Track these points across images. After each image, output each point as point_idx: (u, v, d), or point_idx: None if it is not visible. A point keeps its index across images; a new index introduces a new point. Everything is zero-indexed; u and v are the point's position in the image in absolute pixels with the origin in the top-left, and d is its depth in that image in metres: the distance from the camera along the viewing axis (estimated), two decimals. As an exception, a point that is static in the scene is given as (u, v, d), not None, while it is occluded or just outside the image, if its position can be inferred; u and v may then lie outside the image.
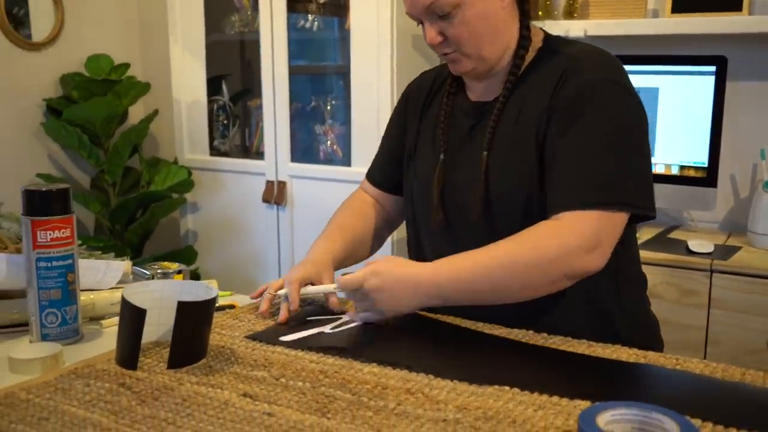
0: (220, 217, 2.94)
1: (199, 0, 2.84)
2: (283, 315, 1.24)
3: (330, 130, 2.80)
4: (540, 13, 2.37)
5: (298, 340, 1.19)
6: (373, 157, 2.53)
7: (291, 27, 2.68)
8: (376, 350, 1.13)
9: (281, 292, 1.27)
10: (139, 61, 3.15)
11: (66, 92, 2.84)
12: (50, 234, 1.16)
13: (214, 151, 2.97)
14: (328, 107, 2.84)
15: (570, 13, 2.36)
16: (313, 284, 1.28)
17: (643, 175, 1.17)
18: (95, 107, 2.65)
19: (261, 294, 1.33)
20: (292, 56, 2.70)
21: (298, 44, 2.79)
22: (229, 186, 2.90)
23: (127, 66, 2.89)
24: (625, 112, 1.18)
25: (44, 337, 1.18)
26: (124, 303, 1.05)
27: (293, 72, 2.72)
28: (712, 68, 2.13)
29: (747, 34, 2.13)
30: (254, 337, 1.19)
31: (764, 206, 2.07)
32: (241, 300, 1.44)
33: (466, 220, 1.28)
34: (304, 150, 2.82)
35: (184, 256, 2.88)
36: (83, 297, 1.27)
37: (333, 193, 2.65)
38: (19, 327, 1.26)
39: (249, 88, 3.10)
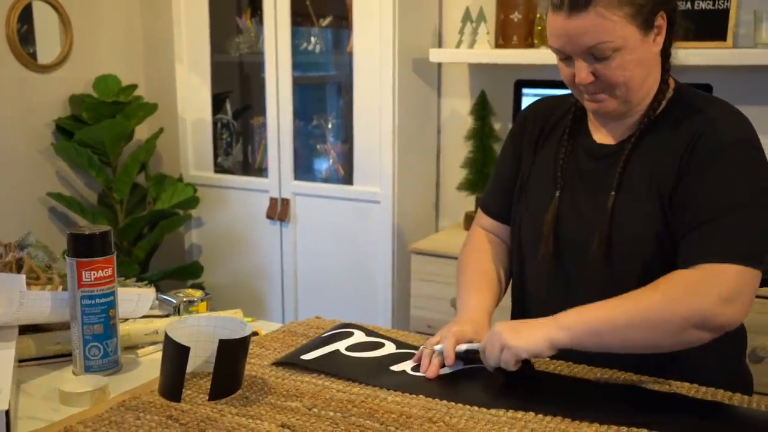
0: (225, 232, 3.04)
1: (204, 21, 2.93)
2: (433, 370, 1.24)
3: (332, 149, 2.90)
4: (536, 41, 2.48)
5: (319, 358, 1.31)
6: (374, 176, 2.64)
7: (294, 47, 2.78)
8: (394, 381, 1.23)
9: (437, 347, 1.26)
10: (144, 81, 3.23)
11: (75, 112, 2.92)
12: (94, 273, 1.26)
13: (218, 168, 3.06)
14: (330, 126, 2.94)
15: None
16: (471, 341, 1.28)
17: None
18: (106, 129, 2.74)
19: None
20: (294, 75, 2.79)
21: (301, 64, 2.88)
22: (233, 202, 3.00)
23: (134, 87, 2.98)
24: (759, 172, 1.23)
25: (87, 369, 1.28)
26: (168, 340, 1.15)
27: (295, 90, 2.82)
28: (699, 95, 2.25)
29: (730, 66, 2.26)
30: (280, 362, 1.30)
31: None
32: (264, 326, 1.54)
33: (580, 256, 1.31)
34: (306, 168, 2.92)
35: (191, 271, 2.97)
36: (120, 328, 1.37)
37: (336, 211, 2.76)
38: (60, 358, 1.35)
39: (249, 105, 3.19)
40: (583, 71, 1.23)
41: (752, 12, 2.24)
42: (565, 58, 1.26)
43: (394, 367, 1.29)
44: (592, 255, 1.28)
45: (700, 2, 2.31)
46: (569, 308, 1.25)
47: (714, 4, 2.30)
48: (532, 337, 1.17)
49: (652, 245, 1.26)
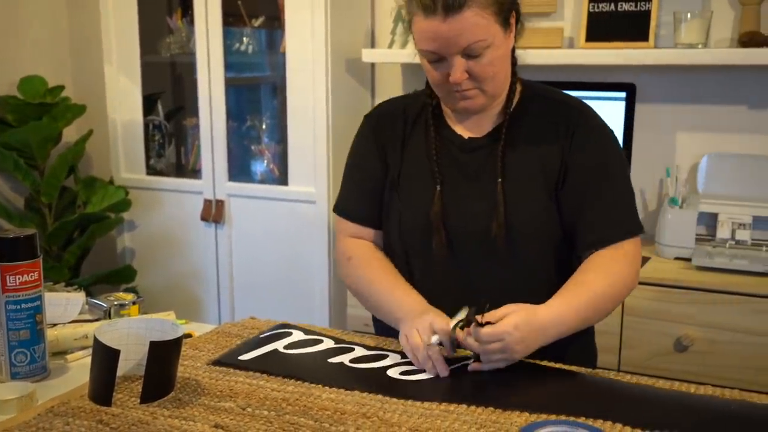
0: (158, 235, 2.99)
1: (133, 21, 2.88)
2: (446, 368, 1.24)
3: (266, 150, 2.89)
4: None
5: (257, 358, 1.31)
6: (309, 176, 2.64)
7: (226, 48, 2.75)
8: (331, 374, 1.25)
9: (434, 339, 1.25)
10: (71, 82, 3.15)
11: (-1, 115, 2.84)
12: (19, 278, 1.23)
13: (151, 170, 3.02)
14: (264, 127, 2.92)
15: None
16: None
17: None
18: (32, 131, 2.66)
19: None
20: (227, 76, 2.77)
21: (234, 64, 2.86)
22: (166, 204, 2.95)
23: (61, 88, 2.90)
24: (621, 150, 1.43)
25: (14, 376, 1.25)
26: (98, 343, 1.13)
27: (228, 91, 2.79)
28: (623, 94, 2.33)
29: (652, 66, 2.35)
30: (218, 362, 1.29)
31: (669, 219, 2.27)
32: (199, 328, 1.53)
33: (472, 246, 1.37)
34: (241, 169, 2.90)
35: (124, 274, 2.92)
36: (47, 333, 1.34)
37: (271, 212, 2.75)
38: (-15, 365, 1.31)
39: (181, 106, 3.15)
40: (459, 69, 1.30)
41: (672, 13, 2.32)
42: (437, 60, 1.31)
43: (332, 360, 1.30)
44: (493, 242, 1.35)
45: (623, 4, 2.39)
46: (465, 299, 1.30)
47: (636, 6, 2.38)
48: (535, 348, 1.25)
49: (546, 226, 1.37)
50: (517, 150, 1.38)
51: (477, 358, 1.25)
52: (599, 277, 1.32)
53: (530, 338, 1.23)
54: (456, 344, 1.26)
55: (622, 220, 1.37)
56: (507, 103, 1.40)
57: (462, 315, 1.25)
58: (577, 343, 1.39)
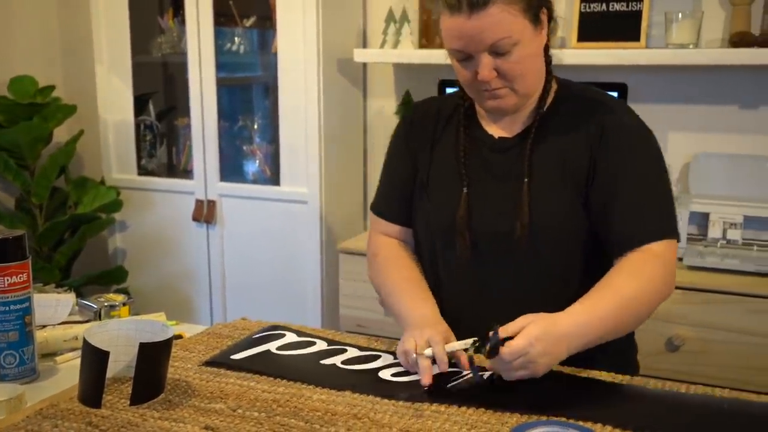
0: (150, 235, 2.98)
1: (124, 21, 2.87)
2: (429, 377, 1.20)
3: (258, 150, 2.88)
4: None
5: (249, 357, 1.31)
6: (301, 176, 2.64)
7: (218, 48, 2.75)
8: (323, 375, 1.24)
9: (427, 352, 1.22)
10: (62, 82, 3.14)
11: (-11, 115, 2.82)
12: (8, 279, 1.22)
13: (142, 171, 3.01)
14: (255, 126, 2.92)
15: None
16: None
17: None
18: (22, 132, 2.65)
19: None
20: (218, 76, 2.77)
21: (225, 64, 2.85)
22: (158, 205, 2.94)
23: (52, 88, 2.89)
24: (658, 151, 1.36)
25: (3, 378, 1.24)
26: (87, 345, 1.13)
27: (220, 91, 2.79)
28: (615, 94, 2.33)
29: (643, 65, 2.35)
30: (210, 362, 1.29)
31: (663, 220, 2.28)
32: (190, 329, 1.52)
33: (497, 247, 1.34)
34: (232, 169, 2.89)
35: (115, 275, 2.91)
36: (36, 334, 1.33)
37: (263, 212, 2.74)
38: (-26, 367, 1.31)
39: (173, 106, 3.14)
40: (487, 67, 1.27)
41: (663, 13, 2.33)
42: (464, 58, 1.29)
43: (324, 361, 1.30)
44: (516, 242, 1.31)
45: (615, 4, 2.39)
46: (488, 301, 1.29)
47: (627, 6, 2.38)
48: (559, 359, 1.19)
49: (571, 227, 1.33)
50: (546, 150, 1.34)
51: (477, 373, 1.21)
52: (627, 279, 1.25)
53: (554, 350, 1.16)
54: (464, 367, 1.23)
55: (653, 221, 1.30)
56: (540, 102, 1.36)
57: (464, 343, 1.22)
58: (619, 357, 1.36)
